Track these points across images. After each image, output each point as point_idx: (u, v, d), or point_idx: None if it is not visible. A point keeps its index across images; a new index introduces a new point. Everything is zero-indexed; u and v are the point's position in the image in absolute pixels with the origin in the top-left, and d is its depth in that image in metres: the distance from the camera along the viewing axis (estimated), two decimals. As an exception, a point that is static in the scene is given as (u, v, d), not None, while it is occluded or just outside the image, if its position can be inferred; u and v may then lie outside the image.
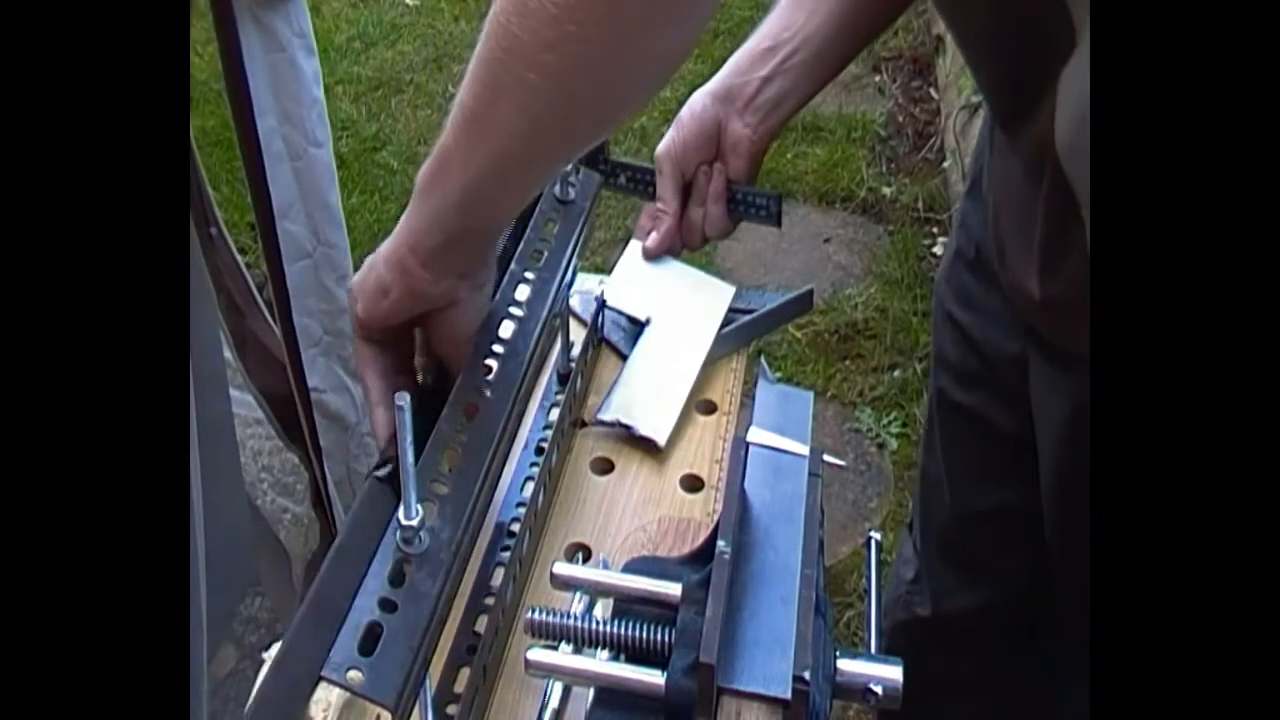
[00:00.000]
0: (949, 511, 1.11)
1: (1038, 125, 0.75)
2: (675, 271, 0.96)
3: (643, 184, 0.97)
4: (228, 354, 1.51)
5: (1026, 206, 0.80)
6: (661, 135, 0.96)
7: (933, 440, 1.12)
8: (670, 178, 0.94)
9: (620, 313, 0.93)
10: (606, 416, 0.85)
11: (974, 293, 0.99)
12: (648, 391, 0.87)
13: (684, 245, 0.97)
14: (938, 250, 2.50)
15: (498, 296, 0.80)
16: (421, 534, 0.61)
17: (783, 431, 0.76)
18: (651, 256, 0.95)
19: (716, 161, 0.94)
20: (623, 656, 0.64)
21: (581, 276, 0.96)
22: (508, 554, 0.73)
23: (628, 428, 0.84)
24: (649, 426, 0.84)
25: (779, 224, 0.97)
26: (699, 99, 0.94)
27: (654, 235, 0.95)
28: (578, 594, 0.71)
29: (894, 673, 0.65)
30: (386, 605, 0.59)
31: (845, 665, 0.66)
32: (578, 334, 0.90)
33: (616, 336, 0.93)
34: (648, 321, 0.92)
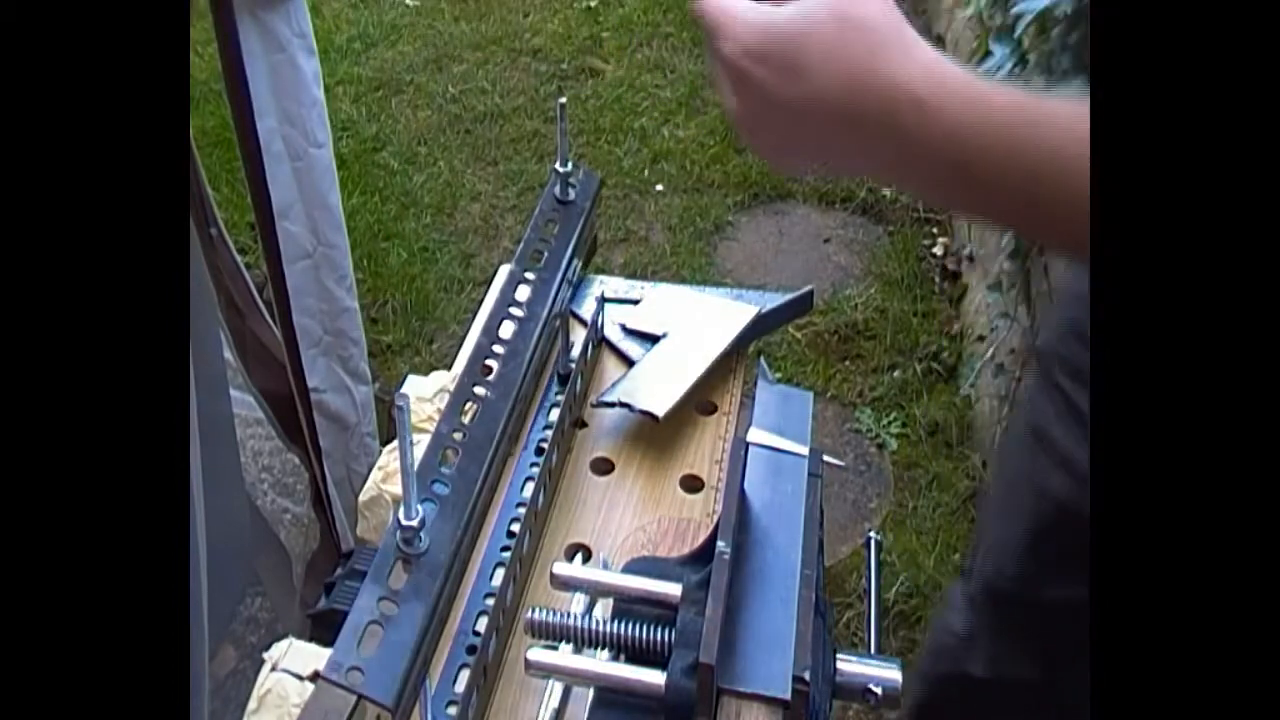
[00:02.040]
0: (1017, 587, 1.04)
1: None
2: (699, 298, 0.96)
3: None
4: (228, 354, 1.51)
5: None
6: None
7: (1004, 504, 1.05)
8: None
9: (640, 333, 0.93)
10: (608, 398, 0.86)
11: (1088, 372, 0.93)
12: (652, 380, 0.87)
13: None
14: (937, 250, 2.50)
15: (498, 297, 0.80)
16: (421, 534, 0.61)
17: (782, 432, 0.76)
18: None
19: None
20: (623, 656, 0.64)
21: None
22: (508, 554, 0.73)
23: (627, 406, 0.85)
24: (649, 404, 0.85)
25: None
26: None
27: None
28: (577, 594, 0.71)
29: (893, 673, 0.66)
30: (386, 605, 0.59)
31: (845, 665, 0.66)
32: (578, 334, 0.90)
33: (618, 339, 0.93)
34: (664, 335, 0.92)
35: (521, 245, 0.85)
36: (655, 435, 0.86)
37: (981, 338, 2.16)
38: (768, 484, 0.72)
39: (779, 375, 2.19)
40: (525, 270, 0.82)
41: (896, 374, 2.23)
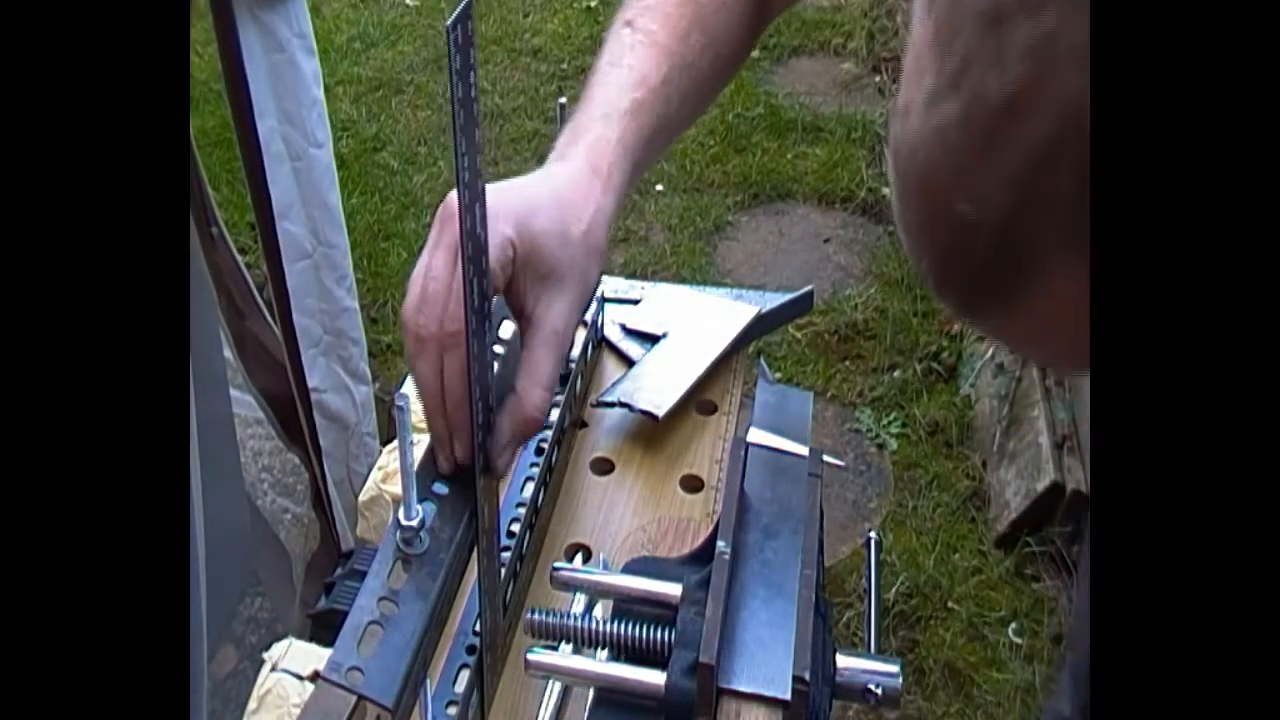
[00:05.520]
0: None
1: None
2: (699, 298, 0.96)
3: None
4: (228, 354, 1.51)
5: None
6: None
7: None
8: None
9: (640, 333, 0.93)
10: (608, 398, 0.86)
11: None
12: (652, 380, 0.87)
13: None
14: (938, 250, 2.50)
15: (499, 297, 0.80)
16: (421, 534, 0.61)
17: (782, 432, 0.76)
18: None
19: None
20: (623, 657, 0.64)
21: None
22: (508, 554, 0.73)
23: (627, 406, 0.85)
24: (649, 404, 0.85)
25: None
26: None
27: None
28: (578, 594, 0.71)
29: (893, 673, 0.65)
30: (386, 605, 0.59)
31: (845, 665, 0.66)
32: (578, 334, 0.90)
33: (618, 339, 0.93)
34: (664, 335, 0.92)
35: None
36: (655, 435, 0.86)
37: (981, 338, 2.16)
38: (768, 484, 0.72)
39: (779, 375, 2.19)
40: (525, 270, 0.82)
41: (896, 374, 2.23)
